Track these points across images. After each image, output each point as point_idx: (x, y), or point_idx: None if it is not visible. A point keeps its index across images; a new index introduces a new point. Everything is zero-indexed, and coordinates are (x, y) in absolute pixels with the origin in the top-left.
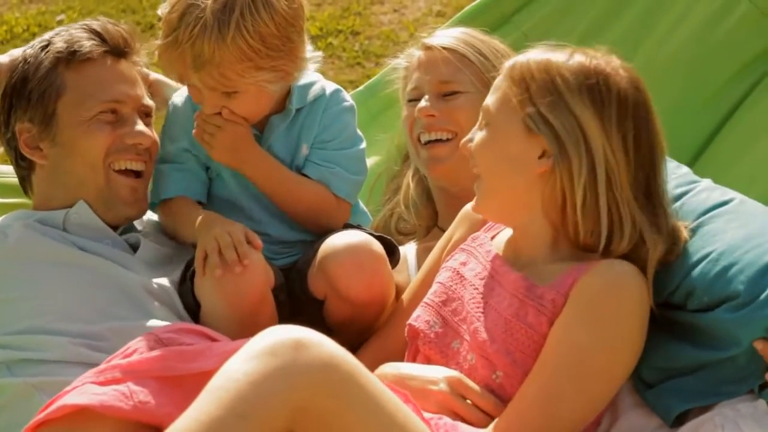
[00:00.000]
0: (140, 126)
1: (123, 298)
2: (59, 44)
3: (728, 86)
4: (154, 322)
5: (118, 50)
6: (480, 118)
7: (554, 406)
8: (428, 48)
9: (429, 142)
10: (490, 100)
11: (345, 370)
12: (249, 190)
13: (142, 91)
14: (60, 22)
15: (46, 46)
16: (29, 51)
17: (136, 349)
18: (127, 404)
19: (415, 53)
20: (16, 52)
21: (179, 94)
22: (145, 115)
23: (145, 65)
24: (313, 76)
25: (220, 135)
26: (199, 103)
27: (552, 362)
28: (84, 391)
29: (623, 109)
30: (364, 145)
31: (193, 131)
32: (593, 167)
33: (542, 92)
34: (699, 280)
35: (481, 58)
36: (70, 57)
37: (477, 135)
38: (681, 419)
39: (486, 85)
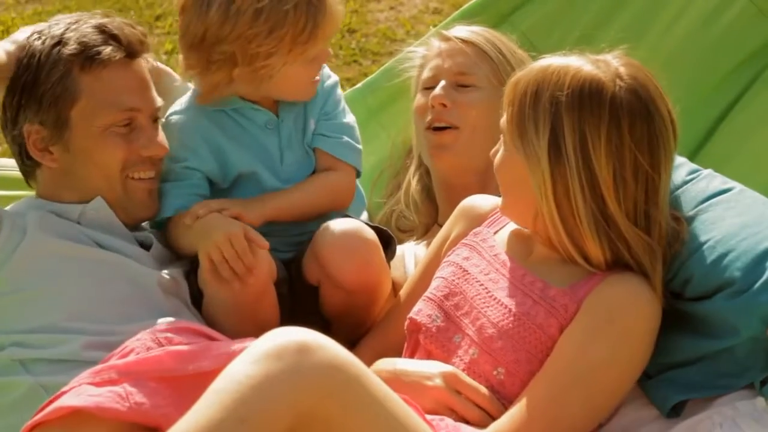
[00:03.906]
0: (155, 137)
1: (136, 293)
2: (73, 45)
3: (727, 82)
4: (165, 320)
5: (134, 53)
6: (503, 137)
7: (559, 414)
8: (449, 39)
9: (437, 128)
10: (509, 128)
11: (350, 373)
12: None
13: (153, 92)
14: None
15: (58, 43)
16: (38, 45)
17: (133, 349)
18: (123, 405)
19: (435, 43)
20: (19, 37)
21: (178, 111)
22: (154, 120)
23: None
24: None
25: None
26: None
27: (563, 371)
28: (80, 393)
29: (638, 141)
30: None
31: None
32: (606, 210)
33: (545, 141)
34: (696, 268)
35: (500, 55)
36: (86, 62)
37: (499, 153)
38: (677, 412)
39: (502, 83)
